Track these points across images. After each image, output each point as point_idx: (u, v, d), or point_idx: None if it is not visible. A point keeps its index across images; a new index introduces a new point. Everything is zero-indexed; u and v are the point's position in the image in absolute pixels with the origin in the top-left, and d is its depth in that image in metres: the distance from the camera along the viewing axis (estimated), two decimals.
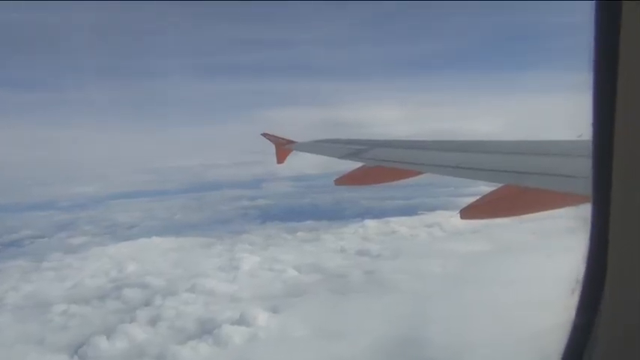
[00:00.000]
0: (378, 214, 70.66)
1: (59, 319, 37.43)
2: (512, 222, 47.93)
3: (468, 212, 4.31)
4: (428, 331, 26.73)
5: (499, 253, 43.05)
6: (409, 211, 71.87)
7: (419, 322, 28.60)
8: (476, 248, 45.51)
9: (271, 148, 9.73)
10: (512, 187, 3.97)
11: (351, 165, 6.49)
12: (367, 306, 33.10)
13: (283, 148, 9.47)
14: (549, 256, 36.19)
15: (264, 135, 10.07)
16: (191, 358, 27.88)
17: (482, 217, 4.70)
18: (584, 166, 3.58)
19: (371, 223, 64.30)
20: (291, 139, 9.63)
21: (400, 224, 61.94)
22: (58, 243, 71.94)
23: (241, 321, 32.23)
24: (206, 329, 31.89)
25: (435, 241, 53.18)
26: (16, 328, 35.57)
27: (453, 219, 59.27)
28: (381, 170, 5.94)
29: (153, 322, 34.76)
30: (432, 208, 71.87)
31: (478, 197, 4.32)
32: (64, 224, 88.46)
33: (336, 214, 77.70)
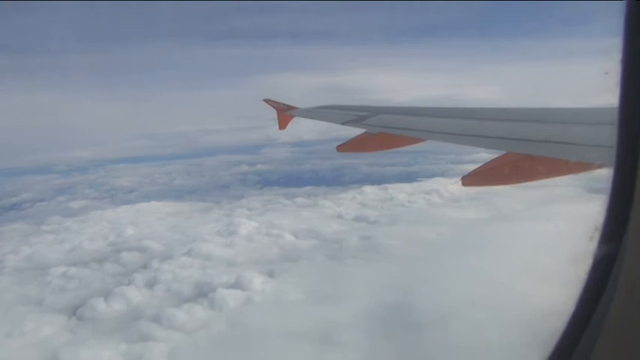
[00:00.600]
0: (377, 180, 70.77)
1: (58, 281, 37.83)
2: (511, 190, 47.95)
3: (469, 179, 4.34)
4: (420, 297, 26.94)
5: (496, 220, 43.13)
6: (408, 177, 71.95)
7: (411, 288, 28.82)
8: (473, 215, 45.60)
9: (272, 113, 9.71)
10: (514, 154, 3.95)
11: (352, 131, 6.46)
12: (362, 271, 33.36)
13: (285, 114, 9.50)
14: (546, 224, 36.43)
15: (266, 101, 10.02)
16: (186, 321, 28.19)
17: (483, 184, 4.72)
18: (586, 133, 3.41)
19: (369, 190, 64.39)
20: (292, 104, 9.63)
21: (399, 191, 61.96)
22: (57, 206, 72.42)
23: (237, 285, 32.51)
24: (202, 292, 32.22)
25: (432, 207, 53.26)
26: (16, 290, 36.01)
27: (451, 186, 59.32)
28: (382, 137, 5.93)
29: (150, 284, 35.11)
30: (431, 175, 71.95)
31: (479, 165, 4.30)
32: (64, 188, 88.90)
33: (335, 180, 77.89)
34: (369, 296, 28.32)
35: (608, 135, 3.40)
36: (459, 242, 36.48)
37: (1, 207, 74.52)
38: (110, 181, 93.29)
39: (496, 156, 4.14)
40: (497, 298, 26.05)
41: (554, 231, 34.63)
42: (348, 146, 6.59)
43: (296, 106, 9.64)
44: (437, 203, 55.36)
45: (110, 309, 31.59)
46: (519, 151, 3.88)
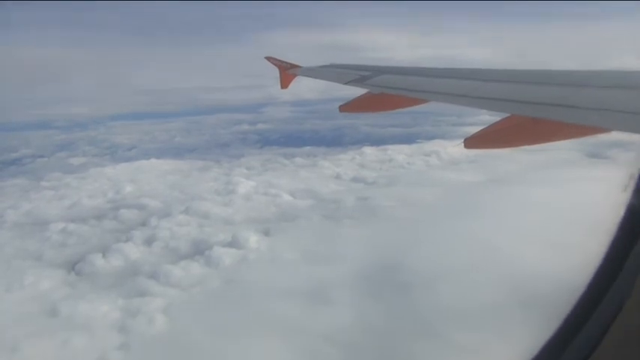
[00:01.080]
0: (378, 141, 70.56)
1: (57, 236, 38.31)
2: (512, 153, 47.75)
3: (471, 141, 4.25)
4: (412, 259, 27.26)
5: (494, 183, 43.14)
6: (408, 139, 71.67)
7: (405, 249, 29.11)
8: (471, 178, 45.62)
9: (273, 72, 9.51)
10: (518, 117, 3.87)
11: (353, 91, 6.38)
12: (357, 232, 33.65)
13: (287, 72, 9.32)
14: (544, 188, 36.42)
15: (268, 59, 9.81)
16: (182, 277, 28.69)
17: (485, 147, 4.68)
18: (592, 97, 3.28)
19: (369, 150, 64.32)
20: (295, 63, 9.42)
21: (398, 152, 61.88)
22: (57, 163, 72.55)
23: (233, 243, 32.90)
24: (198, 250, 32.65)
25: (431, 169, 53.27)
26: (15, 245, 36.53)
27: (451, 148, 59.12)
28: (385, 97, 5.85)
29: (148, 242, 35.53)
30: (432, 137, 71.66)
31: (481, 127, 4.26)
32: (64, 144, 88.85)
33: (335, 141, 77.63)
34: (363, 257, 28.65)
35: (615, 99, 3.37)
36: (455, 205, 36.63)
37: (2, 162, 74.73)
38: (110, 137, 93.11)
39: (499, 119, 4.07)
40: (489, 260, 26.38)
41: (551, 195, 34.82)
42: (350, 106, 6.49)
43: (298, 64, 9.42)
44: (436, 165, 55.37)
45: (108, 265, 32.11)
46: (524, 114, 3.82)
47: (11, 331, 22.94)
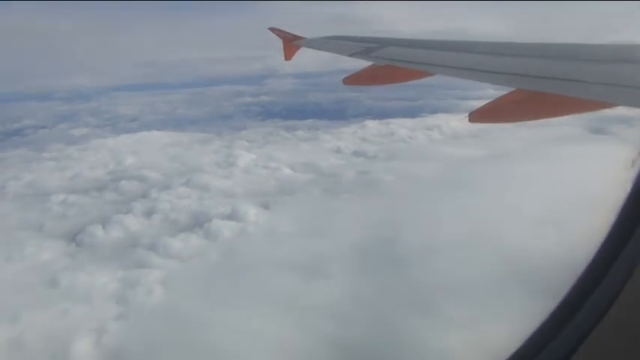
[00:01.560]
0: (381, 114, 70.05)
1: (58, 207, 38.59)
2: (515, 128, 47.34)
3: (476, 115, 4.16)
4: (407, 234, 27.31)
5: (495, 159, 42.89)
6: (412, 112, 71.11)
7: (400, 224, 29.15)
8: (471, 153, 45.33)
9: (276, 43, 9.37)
10: (524, 91, 3.80)
11: (357, 63, 6.25)
12: (355, 206, 33.67)
13: (291, 44, 9.15)
14: (545, 164, 36.19)
15: (272, 30, 9.65)
16: (181, 249, 28.91)
17: (490, 121, 4.55)
18: (601, 72, 3.25)
19: (371, 124, 63.88)
20: (298, 34, 9.26)
21: (400, 126, 61.45)
22: (59, 134, 72.56)
23: (232, 216, 33.03)
24: (198, 222, 32.80)
25: (432, 144, 52.99)
26: (17, 215, 36.82)
27: (454, 122, 58.68)
28: (390, 70, 5.72)
29: (148, 213, 35.73)
30: (436, 111, 71.04)
31: (485, 101, 4.19)
32: (66, 115, 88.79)
33: (337, 114, 77.13)
34: (359, 231, 28.72)
35: (623, 73, 3.30)
36: (454, 180, 36.47)
37: (4, 132, 74.88)
38: (112, 109, 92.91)
39: (505, 92, 3.98)
40: (484, 236, 26.41)
41: (553, 172, 34.64)
42: (354, 79, 6.35)
43: (302, 36, 9.23)
44: (438, 140, 55.04)
45: (108, 236, 32.36)
46: (530, 88, 3.75)
47: (10, 301, 23.27)
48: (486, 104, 4.16)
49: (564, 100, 3.43)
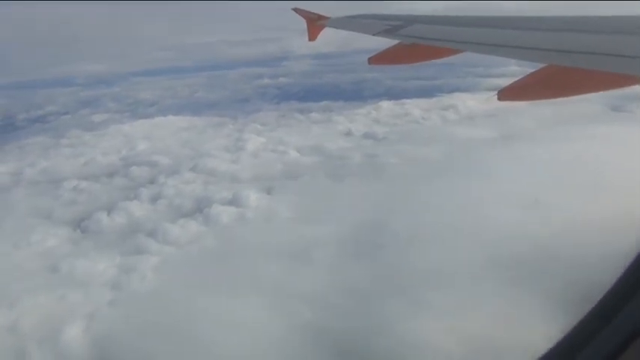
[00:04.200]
0: (398, 95, 68.66)
1: (69, 194, 39.34)
2: (530, 107, 45.64)
3: (506, 93, 4.01)
4: (408, 217, 26.78)
5: (508, 141, 41.50)
6: (430, 92, 69.43)
7: (404, 207, 28.61)
8: (484, 134, 44.02)
9: (296, 24, 9.30)
10: (556, 67, 3.64)
11: (378, 42, 6.15)
12: (357, 190, 33.17)
13: (315, 24, 9.05)
14: (560, 146, 34.67)
15: (296, 10, 9.54)
16: (179, 236, 29.05)
17: (520, 99, 4.40)
18: (633, 44, 3.06)
19: (386, 105, 62.70)
20: (322, 14, 9.16)
21: (415, 106, 60.11)
22: (80, 120, 73.78)
23: (233, 201, 32.99)
24: (199, 208, 32.92)
25: (446, 125, 51.67)
26: (28, 202, 37.71)
27: (472, 102, 57.04)
28: (417, 48, 5.56)
29: (153, 199, 36.05)
30: (455, 90, 69.25)
31: (507, 79, 4.11)
32: (89, 101, 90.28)
33: (354, 95, 76.01)
34: (358, 216, 28.28)
35: None
36: (462, 163, 35.46)
37: (28, 119, 76.67)
38: (133, 94, 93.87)
39: (529, 70, 3.89)
40: (488, 220, 25.66)
41: (576, 151, 33.11)
42: (380, 58, 6.16)
43: (326, 15, 9.09)
44: (452, 120, 53.61)
45: (112, 223, 32.81)
46: (563, 64, 3.60)
47: (10, 287, 23.89)
48: (516, 81, 4.03)
49: (601, 75, 3.26)
